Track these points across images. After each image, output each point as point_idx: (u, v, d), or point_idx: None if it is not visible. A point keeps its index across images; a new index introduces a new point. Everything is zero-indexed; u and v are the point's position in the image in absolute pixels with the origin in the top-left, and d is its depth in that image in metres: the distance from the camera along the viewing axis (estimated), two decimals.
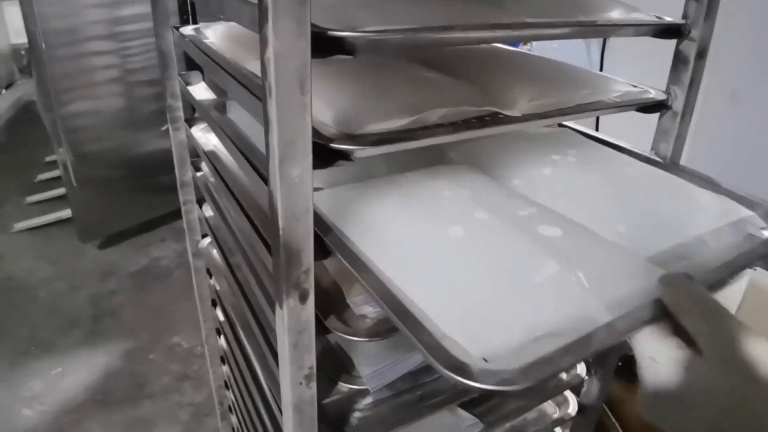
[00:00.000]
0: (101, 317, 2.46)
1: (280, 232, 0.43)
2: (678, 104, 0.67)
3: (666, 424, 0.42)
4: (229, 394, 1.24)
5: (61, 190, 3.15)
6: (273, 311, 0.50)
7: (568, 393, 0.89)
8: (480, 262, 0.49)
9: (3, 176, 3.71)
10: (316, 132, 0.48)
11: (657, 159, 0.70)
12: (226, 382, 1.26)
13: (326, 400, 0.64)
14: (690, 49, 0.66)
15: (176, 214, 1.17)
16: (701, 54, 0.66)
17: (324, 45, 0.42)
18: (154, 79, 2.73)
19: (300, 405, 0.53)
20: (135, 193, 2.91)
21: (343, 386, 0.59)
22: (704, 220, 0.58)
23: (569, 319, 0.43)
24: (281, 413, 0.57)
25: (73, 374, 2.15)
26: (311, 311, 0.48)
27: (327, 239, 0.50)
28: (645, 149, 0.73)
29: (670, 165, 0.69)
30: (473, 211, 0.56)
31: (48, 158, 3.71)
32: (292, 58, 0.38)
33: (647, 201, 0.61)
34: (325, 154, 0.47)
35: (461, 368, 0.38)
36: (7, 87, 5.22)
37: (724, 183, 0.64)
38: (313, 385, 0.52)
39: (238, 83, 0.55)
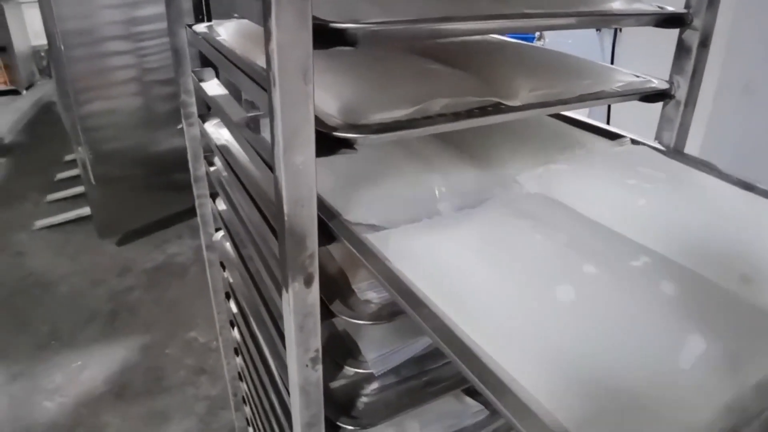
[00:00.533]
0: (119, 312, 2.50)
1: (285, 218, 0.45)
2: (681, 93, 0.68)
3: None
4: (243, 386, 1.27)
5: (80, 189, 3.21)
6: (280, 296, 0.52)
7: None
8: (604, 337, 0.39)
9: (24, 175, 3.79)
10: (319, 121, 0.50)
11: (660, 147, 0.70)
12: (239, 374, 1.29)
13: (333, 385, 0.65)
14: (692, 38, 0.66)
15: (192, 212, 1.20)
16: (704, 43, 0.67)
17: (326, 37, 0.44)
18: (170, 78, 2.76)
19: (306, 387, 0.55)
20: (152, 190, 2.95)
21: (349, 370, 0.60)
22: None
23: (729, 412, 0.34)
24: (289, 396, 0.59)
25: (92, 367, 2.19)
26: (316, 295, 0.50)
27: (331, 225, 0.51)
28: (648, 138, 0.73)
29: (674, 153, 0.70)
30: (578, 263, 0.46)
31: (67, 157, 3.78)
32: (295, 50, 0.40)
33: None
34: (329, 143, 0.48)
35: None
36: (28, 88, 5.32)
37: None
38: (319, 367, 0.54)
39: (246, 75, 0.57)
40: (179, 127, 1.08)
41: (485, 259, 0.48)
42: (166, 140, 2.86)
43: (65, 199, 3.38)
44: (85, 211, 3.05)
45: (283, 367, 0.72)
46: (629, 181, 0.59)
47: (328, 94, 0.56)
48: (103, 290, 2.65)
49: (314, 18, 0.42)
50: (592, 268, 0.46)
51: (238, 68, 0.60)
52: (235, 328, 1.19)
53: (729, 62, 1.70)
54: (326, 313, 0.55)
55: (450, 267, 0.47)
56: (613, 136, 0.75)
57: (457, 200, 0.58)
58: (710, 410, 0.34)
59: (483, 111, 0.56)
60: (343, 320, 0.54)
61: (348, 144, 0.48)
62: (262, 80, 0.52)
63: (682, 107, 0.68)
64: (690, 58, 0.67)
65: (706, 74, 1.76)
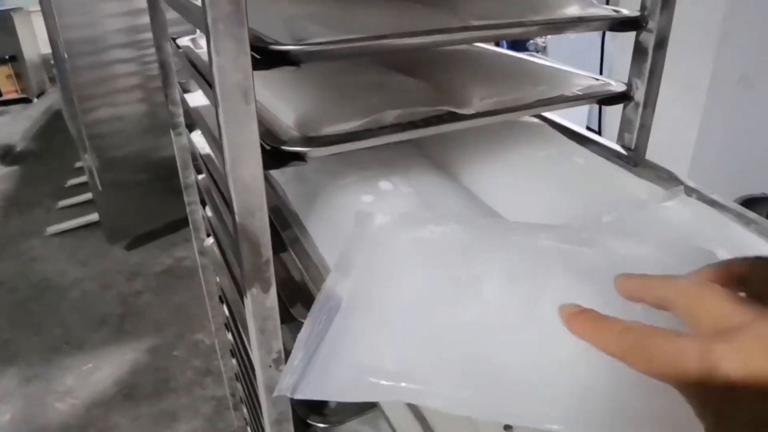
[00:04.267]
0: (129, 315, 2.55)
1: (238, 227, 0.48)
2: (639, 95, 0.70)
3: None
4: (239, 386, 1.30)
5: (89, 195, 3.27)
6: (242, 301, 0.55)
7: None
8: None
9: (36, 182, 3.86)
10: (271, 135, 0.52)
11: (622, 151, 0.72)
12: (236, 375, 1.32)
13: None
14: (648, 40, 0.68)
15: None
16: (660, 45, 0.68)
17: (269, 57, 0.46)
18: None
19: (272, 386, 0.57)
20: (158, 195, 2.99)
21: None
22: None
23: None
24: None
25: (102, 369, 2.25)
26: (274, 299, 0.53)
27: (284, 235, 0.54)
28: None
29: (635, 157, 0.71)
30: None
31: (78, 164, 3.84)
32: (235, 72, 0.43)
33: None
34: (280, 156, 0.51)
35: None
36: (39, 96, 5.41)
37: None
38: (283, 367, 0.57)
39: (198, 73, 0.60)
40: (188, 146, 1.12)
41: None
42: (171, 146, 2.89)
43: (76, 205, 3.44)
44: (95, 216, 3.10)
45: None
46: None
47: (288, 106, 0.58)
48: (113, 294, 2.70)
49: (256, 39, 0.45)
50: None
51: (205, 81, 0.63)
52: (229, 331, 1.22)
53: (722, 55, 1.70)
54: (288, 317, 0.57)
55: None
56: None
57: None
58: None
59: (435, 120, 0.58)
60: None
61: (299, 157, 0.51)
62: (211, 99, 0.54)
63: (641, 109, 0.70)
64: (647, 60, 0.68)
65: (700, 67, 1.76)
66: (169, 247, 3.03)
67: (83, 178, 3.58)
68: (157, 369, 2.24)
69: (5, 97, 5.27)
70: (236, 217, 0.47)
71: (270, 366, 0.56)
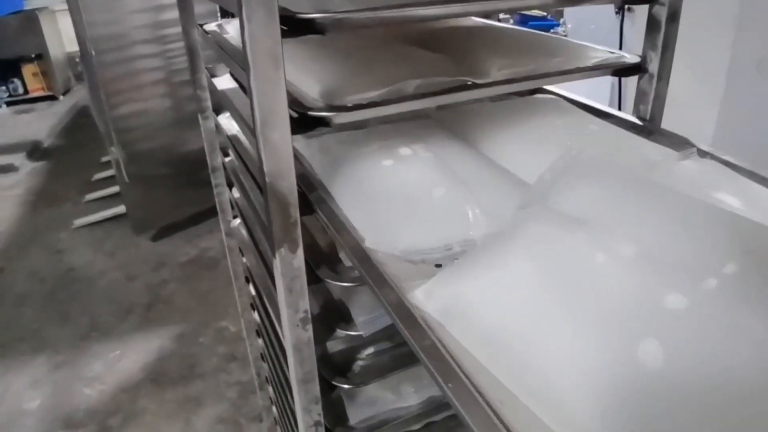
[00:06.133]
0: (155, 304, 2.61)
1: (268, 189, 0.51)
2: (654, 67, 0.71)
3: None
4: (265, 365, 1.34)
5: (116, 188, 3.33)
6: (272, 264, 0.58)
7: None
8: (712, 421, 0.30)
9: (63, 177, 3.95)
10: (297, 102, 0.55)
11: (637, 122, 0.74)
12: (261, 354, 1.36)
13: (332, 350, 0.71)
14: (661, 13, 0.69)
15: None
16: (672, 17, 0.69)
17: (296, 26, 0.49)
18: None
19: (299, 345, 0.60)
20: (183, 187, 3.05)
21: (340, 332, 0.65)
22: None
23: None
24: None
25: (129, 356, 2.30)
26: (301, 260, 0.56)
27: (310, 198, 0.57)
28: None
29: (651, 126, 0.73)
30: (659, 295, 0.35)
31: (103, 158, 3.92)
32: (265, 39, 0.46)
33: None
34: (307, 122, 0.54)
35: None
36: (65, 93, 5.52)
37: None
38: (309, 327, 0.60)
39: (233, 62, 0.63)
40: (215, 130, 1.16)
41: (540, 302, 0.39)
42: (195, 139, 2.92)
43: (102, 198, 3.52)
44: (121, 209, 3.17)
45: None
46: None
47: (314, 79, 0.61)
48: (140, 284, 2.76)
49: (284, 10, 0.48)
50: (678, 299, 0.34)
51: (229, 56, 0.66)
52: (255, 311, 1.26)
53: (740, 40, 1.69)
54: (314, 279, 0.60)
55: (503, 320, 0.39)
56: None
57: (492, 225, 0.50)
58: None
59: (454, 89, 0.60)
60: (329, 284, 0.60)
61: (324, 122, 0.54)
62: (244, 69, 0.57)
63: (655, 80, 0.72)
64: (660, 32, 0.70)
65: (718, 53, 1.76)
66: (194, 238, 3.08)
67: (109, 172, 3.66)
68: (183, 355, 2.29)
69: (32, 95, 5.39)
70: (266, 178, 0.50)
71: (297, 325, 0.59)
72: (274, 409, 1.43)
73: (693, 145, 0.64)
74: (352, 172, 0.59)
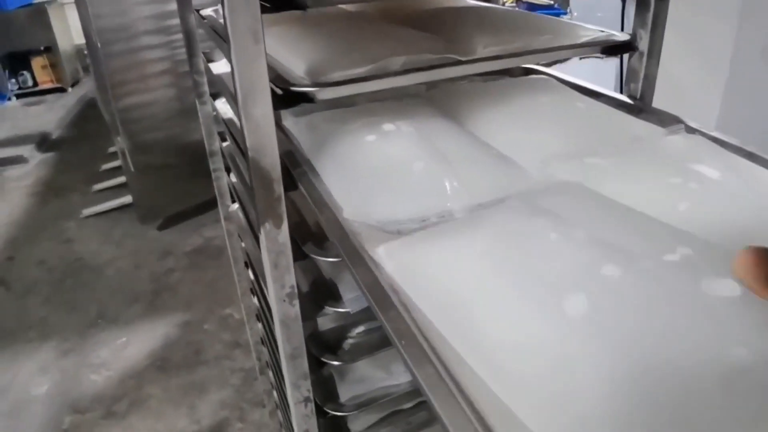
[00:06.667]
0: (161, 292, 2.64)
1: (251, 164, 0.51)
2: (643, 45, 0.71)
3: None
4: (265, 350, 1.35)
5: (123, 178, 3.36)
6: (258, 241, 0.58)
7: None
8: (617, 361, 0.32)
9: (71, 167, 3.98)
10: (282, 79, 0.56)
11: (628, 100, 0.74)
12: (261, 339, 1.37)
13: (323, 328, 0.72)
14: None
15: None
16: None
17: (277, 1, 0.50)
18: None
19: (286, 321, 0.61)
20: (189, 177, 3.06)
21: (329, 309, 0.66)
22: None
23: None
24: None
25: (136, 343, 2.33)
26: (286, 235, 0.56)
27: (294, 174, 0.57)
28: None
29: (641, 104, 0.73)
30: (598, 265, 0.39)
31: (111, 149, 3.95)
32: (244, 14, 0.46)
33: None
34: (291, 97, 0.54)
35: None
36: (73, 85, 5.55)
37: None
38: (296, 303, 0.60)
39: (219, 38, 0.63)
40: (214, 113, 1.16)
41: (494, 269, 0.42)
42: (200, 129, 2.95)
43: (110, 188, 3.55)
44: (128, 199, 3.20)
45: None
46: (674, 179, 0.51)
47: (299, 57, 0.61)
48: (146, 272, 2.79)
49: None
50: (613, 269, 0.38)
51: (217, 35, 0.67)
52: (254, 296, 1.27)
53: (745, 26, 1.68)
54: (300, 255, 0.61)
55: (455, 281, 0.42)
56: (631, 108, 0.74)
57: (471, 198, 0.52)
58: None
59: (439, 66, 0.60)
60: (318, 262, 0.60)
61: (307, 98, 0.54)
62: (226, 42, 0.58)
63: (645, 58, 0.71)
64: (649, 10, 0.69)
65: (723, 39, 1.74)
66: (199, 227, 3.10)
67: (116, 163, 3.69)
68: (188, 342, 2.32)
69: (41, 87, 5.42)
70: (249, 152, 0.51)
71: (284, 300, 0.60)
72: (274, 393, 1.44)
73: (682, 122, 0.64)
74: (336, 147, 0.59)
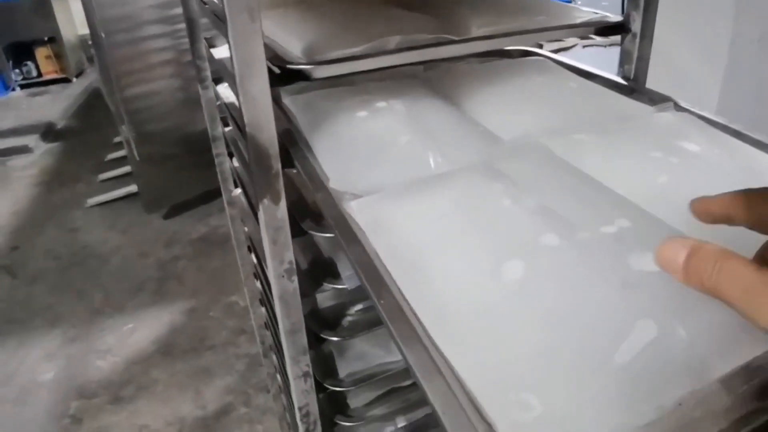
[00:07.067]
0: (166, 280, 2.66)
1: (248, 141, 0.53)
2: (636, 26, 0.72)
3: None
4: (268, 333, 1.37)
5: (128, 168, 3.39)
6: (257, 218, 0.60)
7: None
8: (541, 322, 0.36)
9: (76, 157, 4.01)
10: (279, 58, 0.57)
11: (621, 81, 0.75)
12: (265, 323, 1.39)
13: (322, 306, 0.74)
14: None
15: None
16: None
17: None
18: None
19: (285, 296, 0.63)
20: (193, 167, 3.07)
21: (327, 286, 0.68)
22: None
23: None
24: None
25: (142, 330, 2.36)
26: (284, 211, 0.58)
27: (291, 151, 0.59)
28: None
29: (634, 85, 0.74)
30: (539, 233, 0.42)
31: (116, 139, 3.97)
32: None
33: None
34: (288, 75, 0.56)
35: None
36: (78, 75, 5.57)
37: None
38: (295, 278, 0.62)
39: (219, 21, 0.64)
40: (217, 103, 1.18)
41: (448, 230, 0.46)
42: (203, 120, 2.97)
43: (115, 178, 3.57)
44: (133, 188, 3.22)
45: None
46: (655, 154, 0.52)
47: (296, 37, 0.63)
48: (151, 260, 2.81)
49: None
50: (551, 238, 0.41)
51: (216, 16, 0.68)
52: (257, 279, 1.29)
53: (742, 13, 1.68)
54: (299, 232, 0.62)
55: (414, 238, 0.46)
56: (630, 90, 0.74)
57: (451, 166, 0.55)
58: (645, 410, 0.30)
59: (433, 45, 0.62)
60: (317, 239, 0.62)
61: (304, 75, 0.56)
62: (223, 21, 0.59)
63: (638, 40, 0.72)
64: None
65: (721, 26, 1.74)
66: (204, 216, 3.13)
67: (121, 153, 3.71)
68: (194, 329, 2.34)
69: (45, 77, 5.44)
70: (247, 129, 0.52)
71: (283, 276, 0.61)
72: (278, 376, 1.46)
73: (671, 100, 0.65)
74: (328, 123, 0.61)
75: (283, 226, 0.59)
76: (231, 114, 0.99)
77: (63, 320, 2.45)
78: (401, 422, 0.85)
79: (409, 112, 0.59)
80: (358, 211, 0.50)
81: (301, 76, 0.55)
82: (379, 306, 0.41)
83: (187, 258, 2.81)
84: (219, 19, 0.74)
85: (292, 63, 0.55)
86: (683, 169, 0.50)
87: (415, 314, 0.39)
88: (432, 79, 0.74)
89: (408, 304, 0.40)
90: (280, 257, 0.60)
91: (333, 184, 0.54)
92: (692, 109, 0.63)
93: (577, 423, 0.30)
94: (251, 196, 0.97)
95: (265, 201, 0.56)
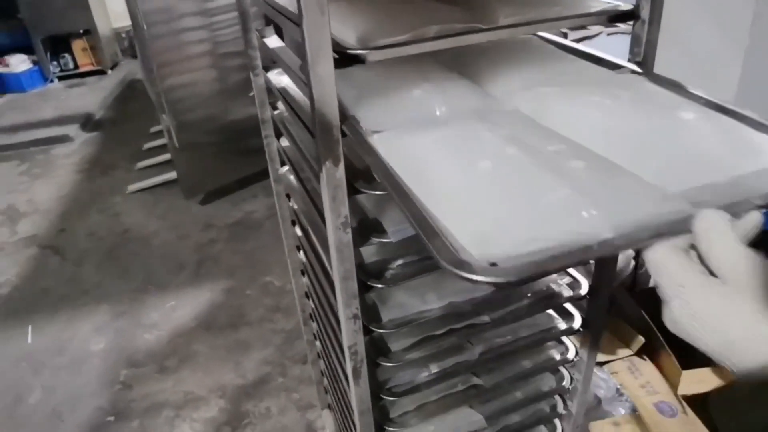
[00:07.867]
0: (204, 261, 2.81)
1: (316, 113, 0.64)
2: (645, 13, 0.82)
3: (689, 338, 0.46)
4: (309, 302, 1.49)
5: (165, 156, 3.55)
6: (318, 180, 0.71)
7: (573, 308, 1.05)
8: (499, 189, 0.58)
9: (115, 146, 4.18)
10: (339, 45, 0.68)
11: (632, 66, 0.85)
12: (306, 293, 1.51)
13: (368, 261, 0.85)
14: None
15: (266, 173, 1.40)
16: None
17: None
18: (242, 50, 2.99)
19: (340, 246, 0.74)
20: (230, 154, 3.22)
21: (374, 240, 0.79)
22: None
23: (569, 233, 0.50)
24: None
25: (183, 307, 2.51)
26: (342, 173, 0.69)
27: (343, 126, 0.70)
28: None
29: (643, 69, 0.84)
30: (504, 147, 0.64)
31: (152, 129, 4.14)
32: None
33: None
34: (346, 59, 0.67)
35: (461, 265, 0.49)
36: (113, 68, 5.76)
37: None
38: (349, 230, 0.73)
39: (284, 17, 0.76)
40: (251, 94, 1.29)
41: (445, 148, 0.67)
42: (241, 108, 3.11)
43: (153, 166, 3.74)
44: (171, 175, 3.38)
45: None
46: (606, 101, 0.72)
47: (350, 28, 0.74)
48: (190, 243, 2.96)
49: None
50: (513, 150, 0.64)
51: (281, 13, 0.79)
52: (301, 251, 1.41)
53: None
54: (353, 191, 0.74)
55: (419, 157, 0.67)
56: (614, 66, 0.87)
57: (451, 116, 0.76)
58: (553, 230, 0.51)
59: (466, 32, 0.73)
60: (364, 195, 0.74)
61: (360, 60, 0.67)
62: (296, 19, 0.71)
63: (647, 25, 0.82)
64: None
65: (741, 7, 1.79)
66: (239, 201, 3.27)
67: (158, 142, 3.87)
68: (232, 306, 2.49)
69: (82, 69, 5.65)
70: (315, 104, 0.64)
71: (339, 228, 0.73)
72: (317, 343, 1.59)
73: (681, 86, 0.75)
74: (370, 97, 0.76)
75: (341, 185, 0.70)
76: (283, 96, 1.10)
77: (110, 297, 2.61)
78: (434, 368, 0.97)
79: (423, 79, 0.78)
80: (378, 142, 0.69)
81: (357, 60, 0.67)
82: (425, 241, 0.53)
83: (224, 241, 2.96)
84: (282, 15, 0.86)
85: (350, 49, 0.66)
86: (613, 107, 0.71)
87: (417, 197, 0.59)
88: (461, 67, 0.87)
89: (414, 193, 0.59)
90: (338, 211, 0.72)
91: (363, 124, 0.72)
92: (686, 86, 0.73)
93: (507, 236, 0.52)
94: (303, 177, 1.09)
95: (328, 163, 0.68)
